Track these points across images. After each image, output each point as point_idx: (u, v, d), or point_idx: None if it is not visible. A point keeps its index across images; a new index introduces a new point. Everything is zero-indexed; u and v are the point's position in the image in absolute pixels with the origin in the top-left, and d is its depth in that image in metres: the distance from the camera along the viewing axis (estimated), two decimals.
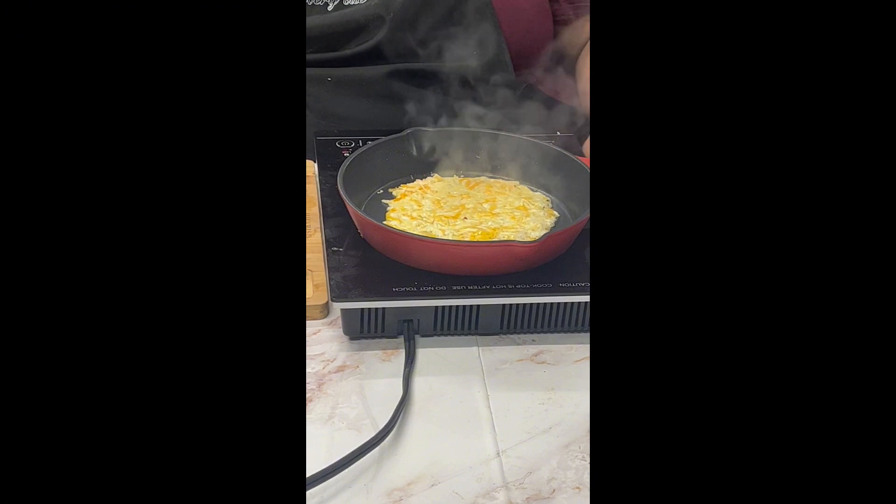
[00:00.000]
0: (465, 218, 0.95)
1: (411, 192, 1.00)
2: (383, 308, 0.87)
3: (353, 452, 0.75)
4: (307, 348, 0.87)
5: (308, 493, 0.72)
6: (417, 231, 0.93)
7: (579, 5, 1.26)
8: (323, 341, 0.89)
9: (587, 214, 0.92)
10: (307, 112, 1.20)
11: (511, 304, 0.88)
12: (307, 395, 0.82)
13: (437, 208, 0.97)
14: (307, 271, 0.93)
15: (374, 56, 1.19)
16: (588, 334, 0.90)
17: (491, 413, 0.82)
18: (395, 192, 1.01)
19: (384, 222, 0.95)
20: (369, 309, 0.86)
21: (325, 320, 0.91)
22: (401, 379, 0.83)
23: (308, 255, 0.95)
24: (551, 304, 0.89)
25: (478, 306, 0.88)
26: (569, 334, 0.91)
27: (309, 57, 1.19)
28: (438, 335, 0.90)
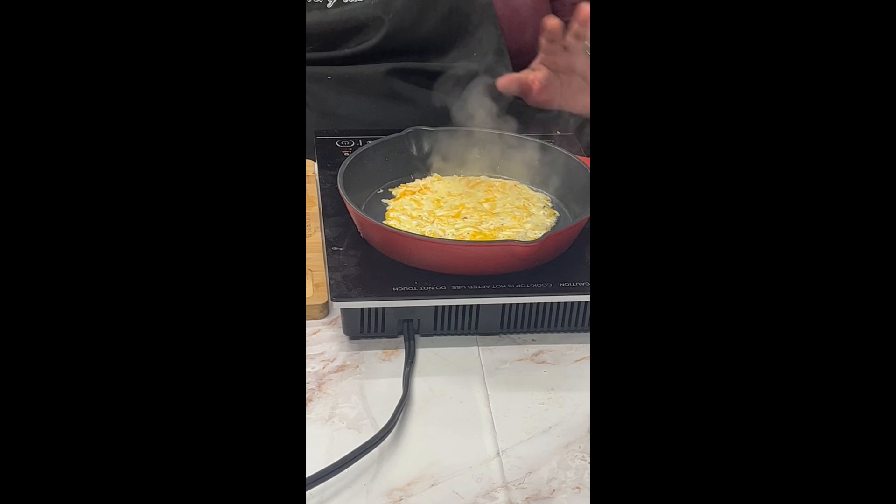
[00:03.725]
0: (465, 218, 0.95)
1: (411, 191, 1.00)
2: (383, 308, 0.87)
3: (353, 452, 0.75)
4: (307, 348, 0.87)
5: (308, 493, 0.72)
6: (417, 231, 0.93)
7: (580, 4, 1.26)
8: (323, 341, 0.89)
9: (587, 214, 0.92)
10: (307, 111, 1.20)
11: (511, 304, 0.88)
12: (307, 395, 0.82)
13: (437, 208, 0.97)
14: (307, 271, 0.93)
15: (373, 56, 1.19)
16: (588, 334, 0.90)
17: (491, 413, 0.82)
18: (395, 191, 1.01)
19: (384, 222, 0.94)
20: (369, 308, 0.86)
21: (325, 320, 0.91)
22: (401, 379, 0.83)
23: (308, 255, 0.95)
24: (551, 303, 0.88)
25: (478, 306, 0.88)
26: (569, 334, 0.91)
27: (308, 55, 1.19)
28: (438, 335, 0.89)
